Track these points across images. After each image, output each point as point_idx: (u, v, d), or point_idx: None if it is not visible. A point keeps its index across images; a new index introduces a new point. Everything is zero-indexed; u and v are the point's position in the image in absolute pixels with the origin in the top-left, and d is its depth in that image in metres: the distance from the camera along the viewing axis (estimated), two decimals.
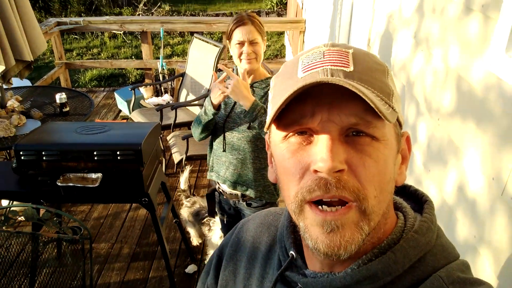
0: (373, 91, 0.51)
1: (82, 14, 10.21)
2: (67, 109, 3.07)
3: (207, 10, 11.92)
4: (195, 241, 2.92)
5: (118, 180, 2.04)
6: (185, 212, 2.86)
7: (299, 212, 0.53)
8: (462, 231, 1.28)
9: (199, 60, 4.02)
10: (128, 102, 4.47)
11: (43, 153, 1.96)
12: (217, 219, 2.48)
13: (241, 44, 1.80)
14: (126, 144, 2.00)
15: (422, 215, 0.59)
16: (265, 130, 0.60)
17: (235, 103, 1.89)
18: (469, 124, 1.25)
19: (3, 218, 1.86)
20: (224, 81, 1.78)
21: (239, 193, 1.97)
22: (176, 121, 3.67)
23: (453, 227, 1.33)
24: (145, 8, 10.75)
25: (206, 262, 2.76)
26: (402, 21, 1.90)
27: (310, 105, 0.52)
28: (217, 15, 11.25)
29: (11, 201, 2.63)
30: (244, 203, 2.00)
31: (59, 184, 1.98)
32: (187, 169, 2.97)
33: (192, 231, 2.89)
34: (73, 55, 8.46)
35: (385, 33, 2.17)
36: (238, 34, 1.79)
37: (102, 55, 8.53)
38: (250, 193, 1.95)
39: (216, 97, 1.78)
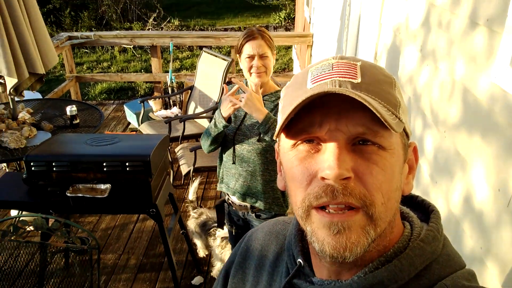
0: (380, 101, 0.53)
1: (93, 29, 10.37)
2: (77, 121, 3.10)
3: (215, 24, 12.07)
4: (201, 252, 2.92)
5: (127, 191, 2.06)
6: (192, 223, 2.87)
7: (306, 217, 0.54)
8: (469, 243, 1.28)
9: (208, 73, 4.07)
10: (137, 115, 4.52)
11: (53, 164, 1.99)
12: (224, 228, 2.49)
13: (251, 58, 1.82)
14: (135, 156, 2.03)
15: (428, 224, 0.59)
16: (274, 138, 0.61)
17: (245, 115, 1.90)
18: (475, 136, 1.26)
19: (12, 228, 1.88)
20: (235, 94, 1.80)
21: (248, 204, 1.98)
22: (184, 133, 3.69)
23: (460, 238, 1.33)
24: (155, 23, 10.91)
25: (212, 274, 2.75)
26: (408, 35, 1.92)
27: (318, 115, 0.53)
28: (225, 29, 11.39)
29: (20, 211, 2.66)
30: (253, 214, 2.00)
31: (68, 194, 2.00)
32: (197, 179, 2.99)
33: (198, 243, 2.90)
34: (83, 68, 8.60)
35: (392, 46, 2.19)
36: (248, 48, 1.82)
37: (112, 68, 8.66)
38: (259, 205, 1.95)
39: (226, 110, 1.78)
